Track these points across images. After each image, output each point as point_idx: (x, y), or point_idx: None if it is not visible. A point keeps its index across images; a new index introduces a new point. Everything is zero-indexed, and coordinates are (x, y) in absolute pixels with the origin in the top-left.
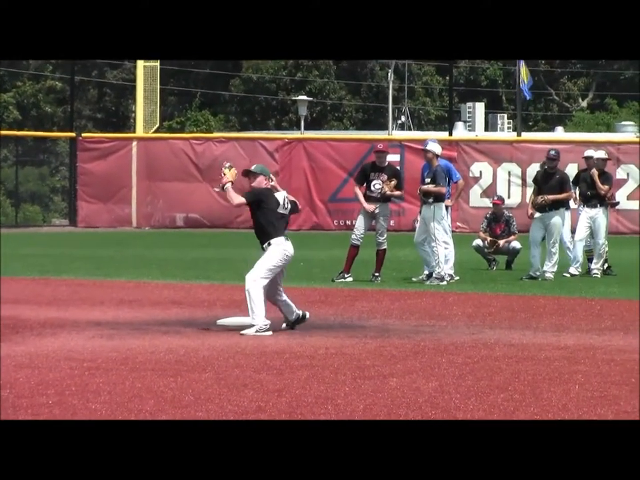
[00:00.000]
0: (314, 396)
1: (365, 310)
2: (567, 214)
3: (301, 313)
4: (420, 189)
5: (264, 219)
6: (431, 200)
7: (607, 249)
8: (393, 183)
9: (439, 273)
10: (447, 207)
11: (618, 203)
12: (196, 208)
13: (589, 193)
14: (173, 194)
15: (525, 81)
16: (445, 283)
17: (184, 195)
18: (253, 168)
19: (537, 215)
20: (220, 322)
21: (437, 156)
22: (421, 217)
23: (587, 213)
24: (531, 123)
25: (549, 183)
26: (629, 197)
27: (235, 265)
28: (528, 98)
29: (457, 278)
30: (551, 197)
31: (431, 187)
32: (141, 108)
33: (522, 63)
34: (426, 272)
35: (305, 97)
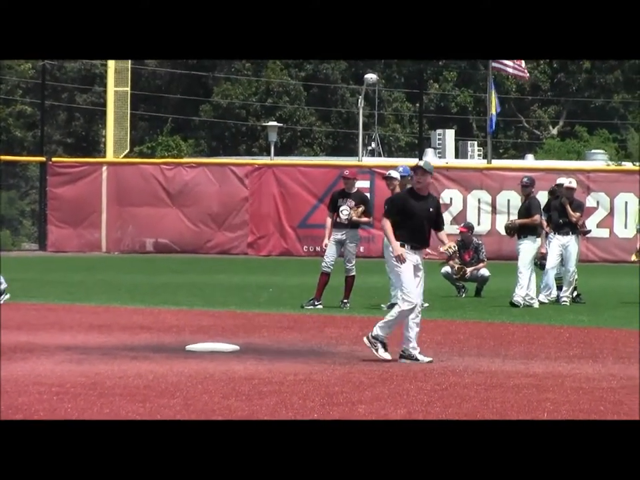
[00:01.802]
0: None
1: (334, 336)
2: (538, 241)
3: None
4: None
5: None
6: None
7: (576, 276)
8: (360, 209)
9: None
10: None
11: (590, 231)
12: (166, 233)
13: (560, 220)
14: (142, 219)
15: (493, 111)
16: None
17: (154, 220)
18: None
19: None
20: (189, 348)
21: (402, 182)
22: (384, 244)
23: (558, 241)
24: (501, 151)
25: (520, 209)
26: (598, 225)
27: (204, 291)
28: (491, 130)
29: (426, 305)
30: (518, 221)
31: None
32: (112, 132)
33: (493, 90)
34: (392, 300)
35: (275, 123)
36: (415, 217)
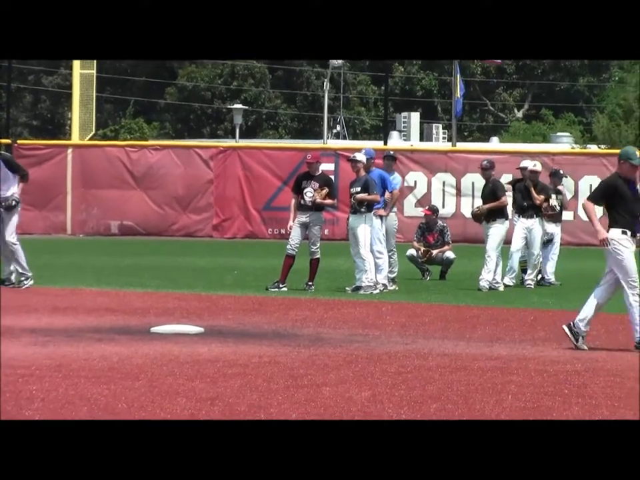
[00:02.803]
0: (247, 404)
1: (299, 319)
2: (506, 223)
3: None
4: (353, 198)
5: None
6: (362, 209)
7: (541, 259)
8: (324, 191)
9: (370, 279)
10: (381, 217)
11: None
12: (130, 215)
13: (525, 203)
14: (107, 201)
15: (458, 95)
16: (377, 291)
17: (119, 202)
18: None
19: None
20: (154, 330)
21: (368, 165)
22: (349, 226)
23: (522, 224)
24: (466, 133)
25: (484, 192)
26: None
27: (169, 273)
28: (458, 114)
29: (393, 288)
30: (485, 205)
31: (365, 196)
32: (77, 115)
33: (458, 73)
34: (357, 283)
35: (240, 106)
36: (629, 203)
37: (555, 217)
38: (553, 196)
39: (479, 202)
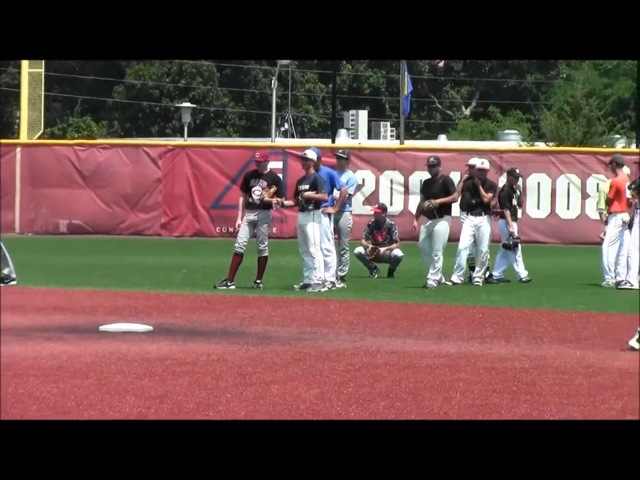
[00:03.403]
0: (195, 402)
1: (247, 317)
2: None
3: None
4: (301, 195)
5: None
6: (310, 207)
7: (489, 257)
8: (272, 189)
9: (319, 277)
10: (329, 215)
11: (502, 212)
12: (79, 214)
13: (473, 201)
14: (56, 200)
15: (406, 92)
16: (325, 289)
17: (67, 201)
18: None
19: (423, 224)
20: (103, 328)
21: (316, 163)
22: (297, 224)
23: (471, 221)
24: (414, 131)
25: (433, 188)
26: None
27: (117, 272)
28: (406, 112)
29: (341, 286)
30: (438, 200)
31: (312, 194)
32: (25, 114)
33: (406, 71)
34: (305, 281)
35: (188, 104)
36: None
37: (517, 216)
38: (514, 195)
39: None
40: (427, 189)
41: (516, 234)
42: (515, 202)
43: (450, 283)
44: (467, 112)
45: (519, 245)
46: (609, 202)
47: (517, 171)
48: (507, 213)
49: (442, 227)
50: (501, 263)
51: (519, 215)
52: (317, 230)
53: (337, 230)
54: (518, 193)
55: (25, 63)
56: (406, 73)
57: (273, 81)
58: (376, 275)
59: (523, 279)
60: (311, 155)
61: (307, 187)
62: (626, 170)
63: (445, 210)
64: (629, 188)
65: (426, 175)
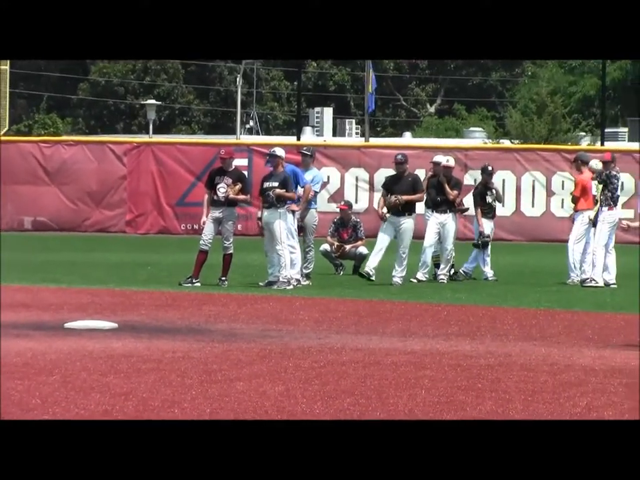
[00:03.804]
0: (160, 400)
1: (212, 314)
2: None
3: None
4: (273, 193)
5: None
6: (279, 205)
7: (454, 254)
8: (237, 187)
9: (285, 276)
10: (293, 212)
11: (467, 209)
12: (44, 211)
13: (438, 198)
14: (21, 197)
15: (371, 90)
16: (291, 287)
17: (32, 198)
18: None
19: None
20: (68, 325)
21: (283, 160)
22: (264, 222)
23: (436, 219)
24: (379, 129)
25: (401, 185)
26: None
27: (82, 269)
28: (371, 109)
29: (306, 283)
30: (404, 197)
31: (284, 192)
32: None
33: (371, 69)
34: (270, 278)
35: (153, 101)
36: None
37: (493, 214)
38: (488, 193)
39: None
40: (392, 186)
41: (486, 232)
42: (489, 200)
43: (415, 281)
44: (432, 109)
45: (489, 245)
46: (575, 200)
47: (490, 167)
48: (478, 211)
49: (407, 225)
50: (474, 259)
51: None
52: (284, 228)
53: (302, 227)
54: (493, 190)
55: None
56: (371, 71)
57: (238, 79)
58: (341, 272)
59: (489, 278)
60: (280, 152)
61: (276, 184)
62: (597, 164)
63: (410, 208)
64: (594, 180)
65: (390, 172)
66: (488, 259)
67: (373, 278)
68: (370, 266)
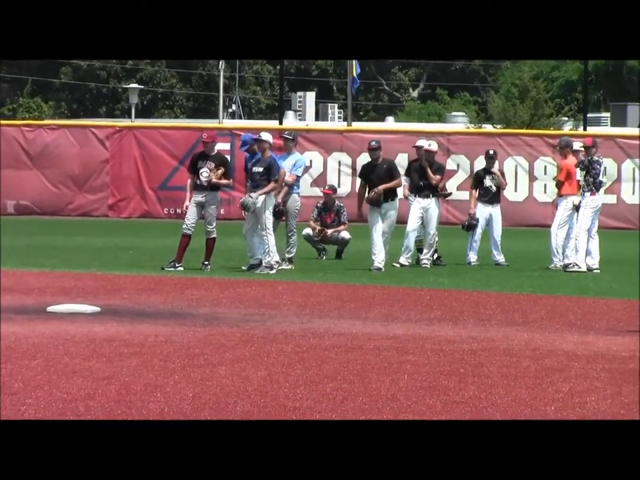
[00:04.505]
0: (143, 384)
1: (195, 298)
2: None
3: None
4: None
5: None
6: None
7: (437, 239)
8: (220, 171)
9: (268, 261)
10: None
11: (450, 194)
12: (27, 195)
13: (421, 183)
14: (3, 181)
15: (354, 74)
16: (274, 271)
17: (15, 182)
18: None
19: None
20: (50, 309)
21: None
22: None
23: (419, 203)
24: (361, 113)
25: (377, 173)
26: (459, 188)
27: (65, 253)
28: (356, 85)
29: (289, 267)
30: (381, 187)
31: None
32: None
33: None
34: (251, 262)
35: (135, 85)
36: None
37: (492, 198)
38: (487, 177)
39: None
40: (369, 175)
41: (476, 216)
42: (488, 184)
43: (398, 265)
44: (415, 94)
45: (477, 229)
46: (559, 185)
47: (491, 152)
48: (472, 193)
49: (391, 211)
50: (476, 246)
51: (464, 196)
52: (269, 214)
53: (285, 212)
54: (494, 175)
55: None
56: None
57: (220, 63)
58: (324, 257)
59: (472, 263)
60: (266, 137)
61: (261, 169)
62: (576, 145)
63: (391, 194)
64: (577, 167)
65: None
66: (475, 245)
67: (383, 269)
68: (380, 260)
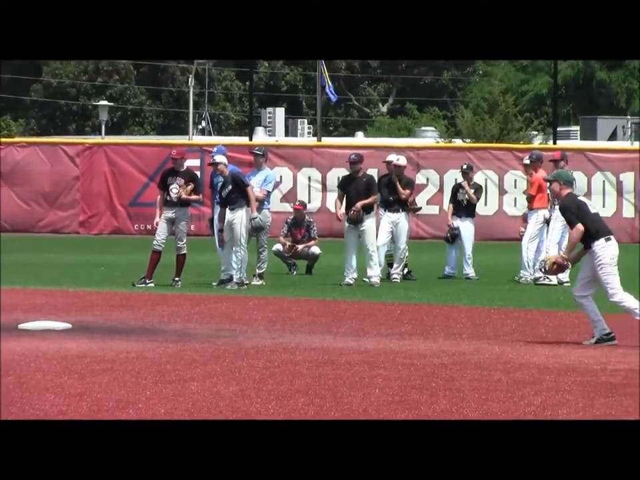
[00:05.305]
0: (115, 400)
1: (166, 314)
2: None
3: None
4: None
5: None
6: (235, 206)
7: (407, 253)
8: (189, 187)
9: (239, 278)
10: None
11: (420, 209)
12: None
13: (390, 197)
14: None
15: (329, 84)
16: (245, 287)
17: None
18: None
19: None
20: (22, 326)
21: (226, 165)
22: (227, 221)
23: (389, 218)
24: (331, 128)
25: (355, 186)
26: (428, 202)
27: (36, 270)
28: (335, 99)
29: (260, 283)
30: (359, 204)
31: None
32: None
33: (324, 67)
34: (222, 277)
35: (105, 102)
36: None
37: (462, 212)
38: (460, 191)
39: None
40: (347, 186)
41: (454, 226)
42: (460, 197)
43: (368, 280)
44: (384, 109)
45: (458, 239)
46: (529, 198)
47: (464, 166)
48: (449, 206)
49: (370, 225)
50: (451, 259)
51: (436, 211)
52: (244, 229)
53: (256, 227)
54: (466, 188)
55: None
56: (324, 68)
57: (190, 79)
58: (294, 272)
59: (470, 277)
60: (219, 159)
61: (230, 187)
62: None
63: (370, 207)
64: (546, 181)
65: (343, 172)
66: (452, 257)
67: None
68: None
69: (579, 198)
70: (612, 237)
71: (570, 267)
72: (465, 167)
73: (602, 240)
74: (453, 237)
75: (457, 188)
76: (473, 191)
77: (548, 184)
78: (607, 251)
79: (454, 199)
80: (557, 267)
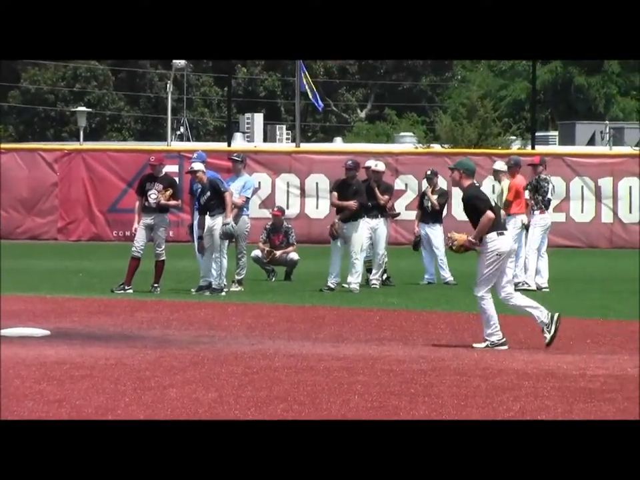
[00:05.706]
0: (94, 407)
1: (145, 320)
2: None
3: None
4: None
5: None
6: (214, 212)
7: (386, 259)
8: (168, 192)
9: (218, 284)
10: None
11: (399, 214)
12: None
13: (369, 203)
14: None
15: (314, 89)
16: (224, 294)
17: None
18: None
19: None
20: (4, 333)
21: (204, 172)
22: (207, 228)
23: (367, 223)
24: (309, 134)
25: (344, 192)
26: (407, 208)
27: (14, 276)
28: (321, 108)
29: (239, 289)
30: (336, 219)
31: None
32: None
33: (306, 74)
34: (201, 283)
35: (83, 108)
36: None
37: (427, 218)
38: (425, 197)
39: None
40: (340, 190)
41: (420, 233)
42: (425, 203)
43: (347, 286)
44: (363, 114)
45: (421, 246)
46: (507, 204)
47: (428, 172)
48: (417, 213)
49: (359, 229)
50: (429, 265)
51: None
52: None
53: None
54: (428, 194)
55: None
56: (303, 74)
57: (168, 85)
58: (273, 278)
59: (448, 281)
60: (197, 167)
61: (208, 194)
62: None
63: (356, 214)
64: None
65: (321, 178)
66: (429, 263)
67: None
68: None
69: (480, 189)
70: (505, 232)
71: (476, 250)
72: (429, 172)
73: (494, 233)
74: (416, 244)
75: (422, 195)
76: (436, 196)
77: (450, 172)
78: (496, 244)
79: (420, 205)
80: (464, 250)
